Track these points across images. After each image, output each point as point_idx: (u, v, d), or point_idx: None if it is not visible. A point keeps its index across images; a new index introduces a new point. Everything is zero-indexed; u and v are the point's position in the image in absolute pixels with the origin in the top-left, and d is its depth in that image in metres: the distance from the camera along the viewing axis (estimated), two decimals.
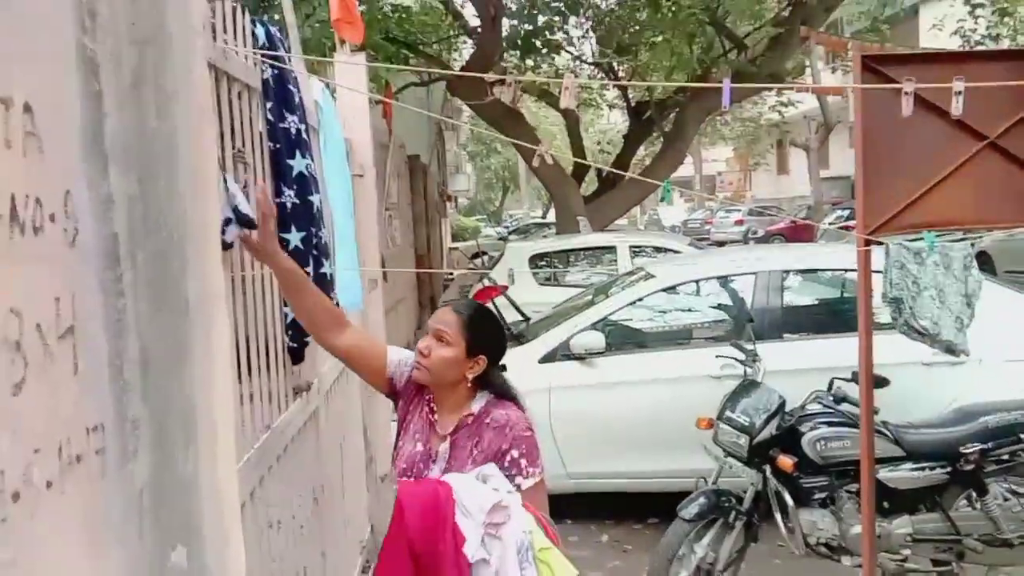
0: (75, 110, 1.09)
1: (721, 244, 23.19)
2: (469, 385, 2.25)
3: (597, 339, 5.11)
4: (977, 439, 3.83)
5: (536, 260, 9.20)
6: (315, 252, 2.39)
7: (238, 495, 1.80)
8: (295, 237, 2.34)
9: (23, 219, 0.93)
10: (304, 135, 2.43)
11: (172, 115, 1.41)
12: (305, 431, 2.78)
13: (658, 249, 9.09)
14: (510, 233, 27.33)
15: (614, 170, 9.32)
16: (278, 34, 2.49)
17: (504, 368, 2.36)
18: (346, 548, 3.53)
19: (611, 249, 9.22)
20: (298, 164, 2.35)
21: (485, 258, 13.19)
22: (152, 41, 1.34)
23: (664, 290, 5.50)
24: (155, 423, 1.31)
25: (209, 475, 1.49)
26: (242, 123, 2.26)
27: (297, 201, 2.35)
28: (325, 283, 2.47)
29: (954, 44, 13.85)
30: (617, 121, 29.15)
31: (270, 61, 2.34)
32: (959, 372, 4.71)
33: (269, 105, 2.35)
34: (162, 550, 1.32)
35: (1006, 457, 3.87)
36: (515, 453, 2.19)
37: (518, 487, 2.16)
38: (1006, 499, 3.94)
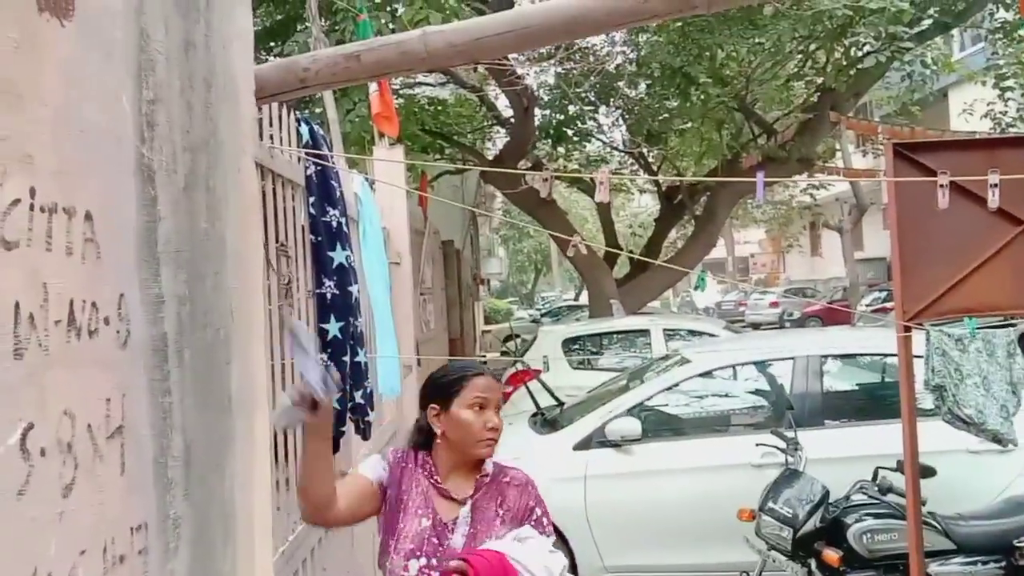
0: (131, 216, 1.14)
1: (756, 327, 22.97)
2: None
3: (633, 425, 5.03)
4: None
5: (569, 344, 9.17)
6: (352, 341, 2.42)
7: None
8: (334, 327, 2.37)
9: (80, 323, 0.96)
10: (344, 227, 2.49)
11: (221, 215, 1.47)
12: None
13: (692, 332, 9.02)
14: (543, 316, 27.34)
15: (644, 258, 9.36)
16: (320, 131, 2.58)
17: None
18: None
19: (645, 332, 9.16)
20: (338, 256, 2.41)
21: (518, 340, 13.19)
22: (205, 147, 1.41)
23: (700, 375, 5.44)
24: (196, 520, 1.31)
25: (246, 570, 1.48)
26: (286, 217, 2.33)
27: (337, 292, 2.40)
28: (360, 371, 2.49)
29: (984, 127, 13.87)
30: (648, 204, 29.41)
31: (313, 159, 2.43)
32: (1008, 460, 4.55)
33: (312, 200, 2.42)
34: None
35: None
36: (539, 511, 2.12)
37: None
38: None
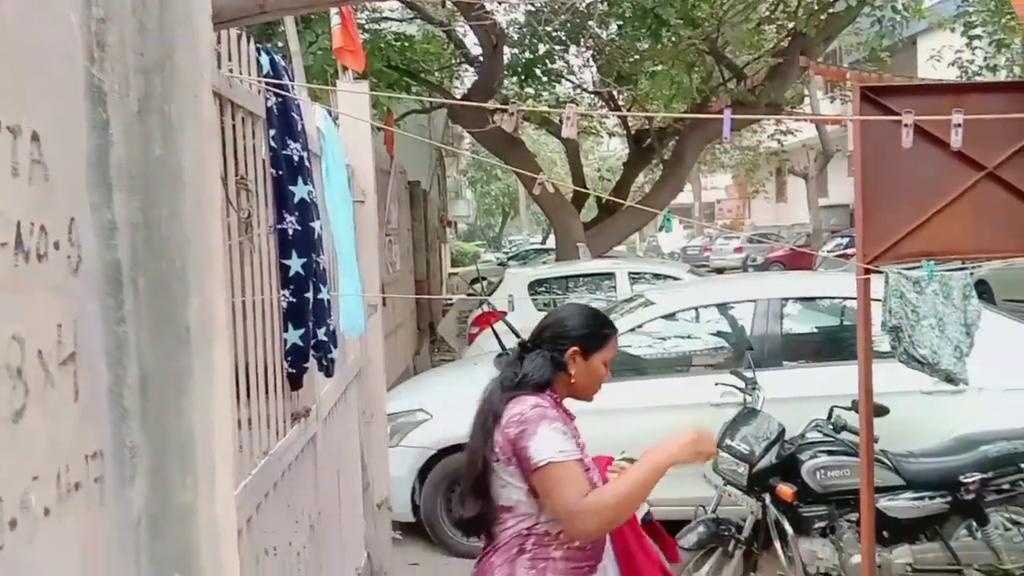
0: (81, 139, 1.10)
1: (720, 271, 23.21)
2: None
3: None
4: (977, 468, 3.82)
5: (535, 286, 9.21)
6: (314, 278, 2.40)
7: (235, 523, 1.79)
8: (296, 263, 2.34)
9: (28, 246, 0.94)
10: (306, 162, 2.45)
11: (177, 143, 1.43)
12: (303, 457, 2.77)
13: (657, 276, 9.09)
14: (509, 259, 27.36)
15: (613, 198, 9.36)
16: (282, 62, 2.51)
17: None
18: (342, 575, 3.50)
19: (610, 276, 9.22)
20: (300, 191, 2.37)
21: (484, 283, 13.20)
22: (159, 70, 1.36)
23: (663, 317, 5.50)
24: (154, 451, 1.31)
25: (207, 503, 1.48)
26: (246, 150, 2.28)
27: (299, 227, 2.36)
28: (323, 309, 2.47)
29: (952, 75, 13.95)
30: (617, 148, 29.31)
31: (274, 89, 2.37)
32: (959, 401, 4.69)
33: (272, 132, 2.37)
34: None
35: (1007, 487, 3.86)
36: None
37: None
38: (1007, 529, 3.92)
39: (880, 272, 3.08)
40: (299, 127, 2.46)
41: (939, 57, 14.67)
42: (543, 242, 31.15)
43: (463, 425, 5.73)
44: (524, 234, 44.50)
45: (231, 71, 2.20)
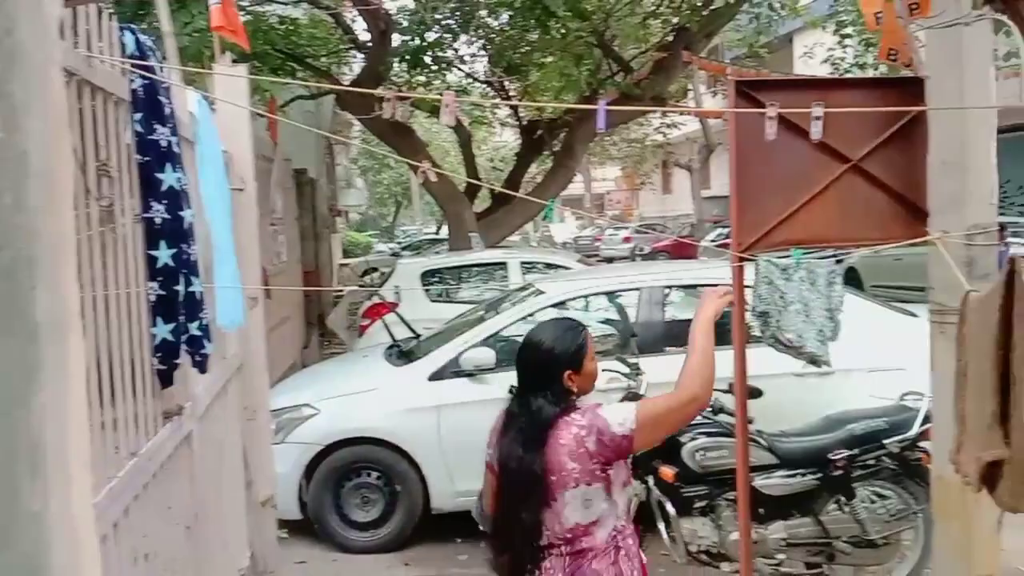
0: None
1: (610, 260, 23.72)
2: None
3: (488, 355, 5.11)
4: (844, 446, 4.04)
5: (428, 277, 9.15)
6: (185, 270, 2.30)
7: (96, 529, 1.70)
8: (165, 254, 2.24)
9: None
10: (176, 148, 2.34)
11: (22, 126, 1.33)
12: (177, 456, 2.66)
13: (549, 266, 9.19)
14: (403, 249, 27.13)
15: (504, 190, 9.40)
16: (149, 42, 2.39)
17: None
18: None
19: (503, 265, 9.26)
20: (168, 178, 2.26)
21: (376, 275, 13.04)
22: None
23: (553, 305, 5.56)
24: None
25: (61, 509, 1.40)
26: (107, 135, 2.15)
27: (168, 216, 2.26)
28: (195, 302, 2.37)
29: (825, 71, 14.66)
30: (510, 139, 29.47)
31: (140, 71, 2.25)
32: (828, 382, 4.95)
33: (138, 116, 2.25)
34: None
35: (872, 462, 4.10)
36: None
37: None
38: (872, 502, 4.17)
39: (754, 259, 3.20)
40: (168, 111, 2.35)
41: (812, 54, 15.40)
42: (437, 232, 31.02)
43: (351, 419, 5.67)
44: (418, 224, 44.20)
45: (90, 51, 2.07)
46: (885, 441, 4.06)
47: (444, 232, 18.40)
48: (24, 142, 1.34)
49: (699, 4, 10.74)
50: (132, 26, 2.37)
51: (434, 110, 14.32)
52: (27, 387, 1.31)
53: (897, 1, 2.94)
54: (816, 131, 2.47)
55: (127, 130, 2.25)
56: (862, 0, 3.56)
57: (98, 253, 2.00)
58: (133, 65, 2.24)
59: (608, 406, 2.31)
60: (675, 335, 5.32)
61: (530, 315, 5.48)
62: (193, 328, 2.40)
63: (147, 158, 2.25)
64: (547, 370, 2.35)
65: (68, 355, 1.44)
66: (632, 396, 4.16)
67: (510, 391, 2.45)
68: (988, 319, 2.18)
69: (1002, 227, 2.93)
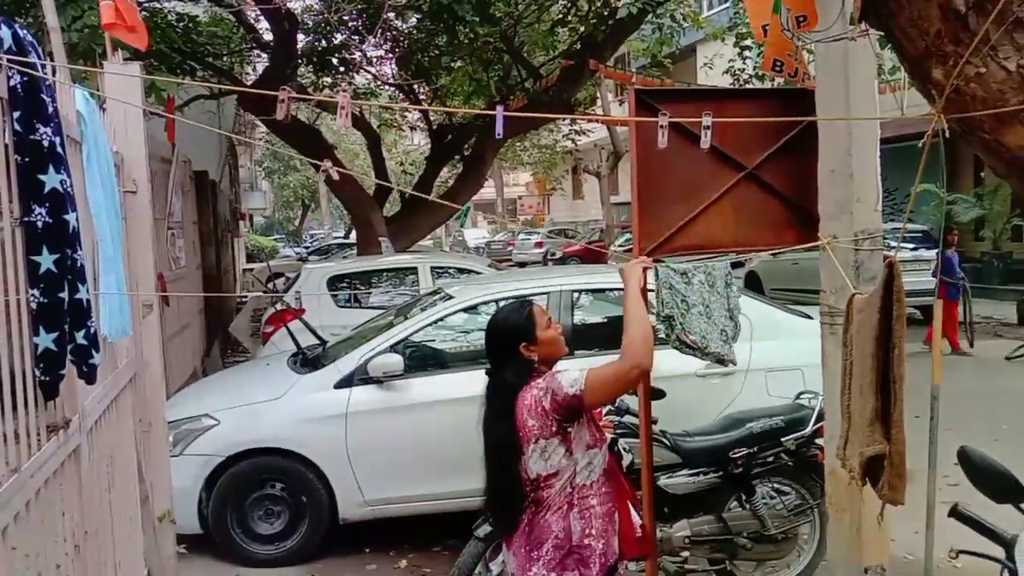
0: None
1: (522, 265, 23.87)
2: None
3: (395, 361, 5.05)
4: (744, 444, 4.17)
5: (336, 282, 9.00)
6: (70, 276, 2.19)
7: None
8: (47, 260, 2.12)
9: None
10: (59, 148, 2.22)
11: None
12: (63, 472, 2.52)
13: (460, 270, 9.17)
14: (310, 254, 26.64)
15: (415, 193, 9.32)
16: (30, 37, 2.26)
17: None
18: None
19: (413, 270, 9.19)
20: (51, 180, 2.14)
21: (282, 280, 12.75)
22: None
23: (463, 310, 5.55)
24: None
25: None
26: None
27: (50, 220, 2.14)
28: (81, 309, 2.26)
29: (725, 82, 15.14)
30: (420, 143, 29.33)
31: (18, 67, 2.13)
32: (729, 382, 5.11)
33: (17, 115, 2.12)
34: None
35: (770, 459, 4.24)
36: None
37: None
38: (771, 498, 4.31)
39: (660, 263, 3.27)
40: (51, 110, 2.22)
41: (711, 64, 15.87)
42: (346, 236, 30.59)
43: (253, 430, 5.50)
44: (326, 228, 43.47)
45: None
46: (783, 439, 4.20)
47: (353, 236, 18.14)
48: None
49: (605, 14, 10.93)
50: (10, 20, 2.24)
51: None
52: None
53: (784, 14, 3.05)
54: (705, 140, 2.56)
55: (5, 130, 2.12)
56: (751, 12, 3.69)
57: None
58: (11, 61, 2.12)
59: (563, 371, 2.54)
60: (584, 337, 5.39)
61: (440, 320, 5.45)
62: (80, 337, 2.29)
63: (27, 159, 2.12)
64: (503, 346, 2.63)
65: None
66: None
67: (486, 373, 2.70)
68: (870, 320, 2.29)
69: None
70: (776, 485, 4.36)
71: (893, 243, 6.78)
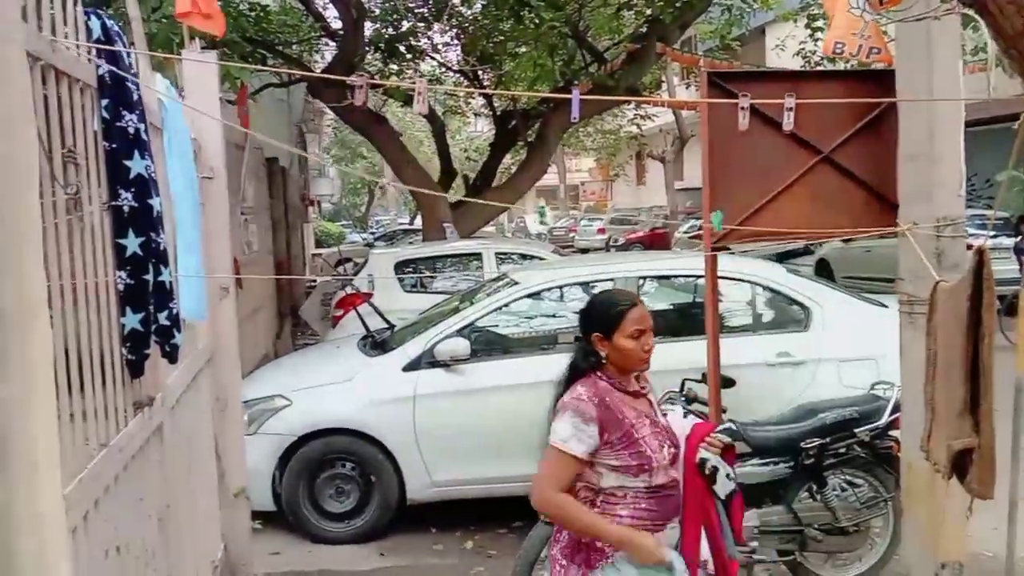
0: None
1: (584, 251, 23.76)
2: None
3: (462, 345, 5.10)
4: (816, 435, 4.08)
5: (402, 267, 9.11)
6: (154, 259, 2.26)
7: (66, 521, 1.67)
8: (133, 243, 2.20)
9: None
10: (144, 135, 2.29)
11: None
12: (148, 448, 2.62)
13: (524, 256, 9.18)
14: (376, 239, 27.00)
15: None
16: (116, 27, 2.34)
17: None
18: (196, 569, 3.35)
19: (477, 256, 9.24)
20: (136, 165, 2.22)
21: (350, 265, 12.96)
22: None
23: (528, 296, 5.56)
24: None
25: (27, 500, 1.37)
26: (73, 121, 2.11)
27: (136, 204, 2.22)
28: (164, 291, 2.34)
29: (796, 64, 14.75)
30: (484, 129, 29.40)
31: (107, 57, 2.20)
32: (800, 372, 5.01)
33: (105, 103, 2.20)
34: None
35: (842, 451, 4.14)
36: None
37: None
38: (843, 490, 4.21)
39: (727, 250, 3.22)
40: (136, 97, 2.30)
41: (784, 47, 15.48)
42: (411, 222, 30.89)
43: (325, 410, 5.62)
44: (391, 214, 43.96)
45: (55, 35, 2.03)
46: (856, 430, 4.10)
47: (418, 222, 18.32)
48: None
49: None
50: (98, 10, 2.32)
51: (407, 100, 14.26)
52: None
53: None
54: (788, 122, 2.49)
55: (94, 117, 2.20)
56: None
57: (65, 242, 1.96)
58: (99, 50, 2.19)
59: (570, 421, 2.39)
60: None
61: (504, 305, 5.48)
62: (163, 318, 2.37)
63: (115, 145, 2.20)
64: (583, 324, 2.54)
65: (34, 345, 1.41)
66: None
67: None
68: (958, 309, 2.21)
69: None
70: (848, 477, 4.26)
71: (973, 230, 6.54)
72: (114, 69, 2.21)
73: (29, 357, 1.39)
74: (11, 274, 1.33)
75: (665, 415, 2.63)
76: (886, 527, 4.29)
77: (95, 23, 2.22)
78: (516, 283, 5.61)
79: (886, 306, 5.41)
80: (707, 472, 2.45)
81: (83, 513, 1.99)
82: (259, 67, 8.67)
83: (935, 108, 3.04)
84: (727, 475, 2.48)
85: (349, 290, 8.22)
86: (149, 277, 2.24)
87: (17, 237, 1.35)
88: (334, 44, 11.96)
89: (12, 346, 1.32)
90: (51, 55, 1.95)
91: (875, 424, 4.10)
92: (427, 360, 5.13)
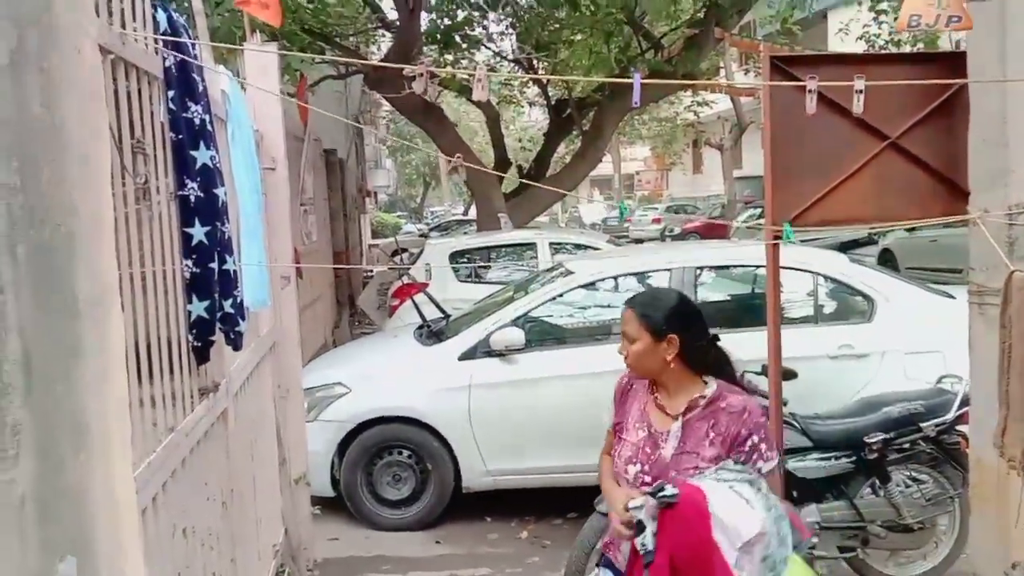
0: None
1: (639, 242, 23.56)
2: (682, 366, 2.33)
3: (517, 335, 5.11)
4: (880, 429, 3.98)
5: (457, 257, 9.15)
6: (219, 247, 2.31)
7: (137, 502, 1.72)
8: (199, 232, 2.25)
9: None
10: (209, 126, 2.34)
11: (59, 102, 1.34)
12: (213, 433, 2.69)
13: (578, 246, 9.15)
14: (431, 230, 27.18)
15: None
16: (182, 20, 2.39)
17: (716, 339, 2.42)
18: (258, 553, 3.43)
19: (531, 246, 9.23)
20: (202, 156, 2.27)
21: (405, 255, 13.07)
22: (35, 23, 1.26)
23: (583, 286, 5.54)
24: (40, 427, 1.23)
25: (103, 482, 1.41)
26: (142, 112, 2.16)
27: (201, 194, 2.26)
28: (229, 279, 2.39)
29: (859, 48, 14.37)
30: (538, 119, 29.32)
31: (173, 49, 2.25)
32: (863, 365, 4.89)
33: (171, 94, 2.25)
34: (48, 561, 1.24)
35: (907, 446, 4.04)
36: (755, 439, 2.26)
37: (759, 471, 2.26)
38: (907, 486, 4.11)
39: (788, 240, 3.15)
40: (201, 89, 2.35)
41: (847, 31, 15.09)
42: (465, 213, 31.02)
43: (382, 399, 5.69)
44: (446, 205, 44.21)
45: (124, 28, 2.08)
46: (922, 424, 3.99)
47: (473, 212, 18.38)
48: (62, 117, 1.34)
49: None
50: (164, 4, 2.37)
51: (462, 89, 14.32)
52: (68, 362, 1.31)
53: None
54: (858, 106, 2.42)
55: (161, 108, 2.25)
56: None
57: (134, 230, 2.01)
58: (166, 43, 2.24)
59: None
60: (707, 316, 5.25)
61: (559, 296, 5.46)
62: (227, 305, 2.42)
63: (181, 136, 2.25)
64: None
65: (108, 331, 1.45)
66: None
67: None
68: None
69: None
70: (913, 473, 4.15)
71: None
72: (180, 61, 2.26)
73: (103, 343, 1.43)
74: (86, 262, 1.36)
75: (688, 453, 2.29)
76: (952, 525, 4.17)
77: (162, 16, 2.27)
78: (571, 273, 5.59)
79: (953, 297, 5.25)
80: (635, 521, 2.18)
81: (152, 495, 2.05)
82: (318, 57, 8.78)
83: (1008, 90, 2.92)
84: (645, 539, 2.15)
85: (405, 280, 8.30)
86: (214, 265, 2.29)
87: (92, 226, 1.38)
88: (390, 35, 12.04)
89: (87, 332, 1.36)
90: (121, 48, 2.00)
91: (942, 419, 3.99)
92: (482, 350, 5.15)
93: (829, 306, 5.45)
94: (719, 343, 2.43)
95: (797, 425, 4.01)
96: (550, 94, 14.74)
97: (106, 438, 1.46)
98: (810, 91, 2.37)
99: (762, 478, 2.25)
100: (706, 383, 2.35)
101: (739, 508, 2.14)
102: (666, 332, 2.31)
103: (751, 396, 2.38)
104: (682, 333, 2.32)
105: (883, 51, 13.49)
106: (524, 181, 11.64)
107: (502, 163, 14.42)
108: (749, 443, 2.25)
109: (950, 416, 3.97)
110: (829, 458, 4.02)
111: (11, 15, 1.18)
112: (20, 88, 1.21)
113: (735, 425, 2.25)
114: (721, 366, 2.40)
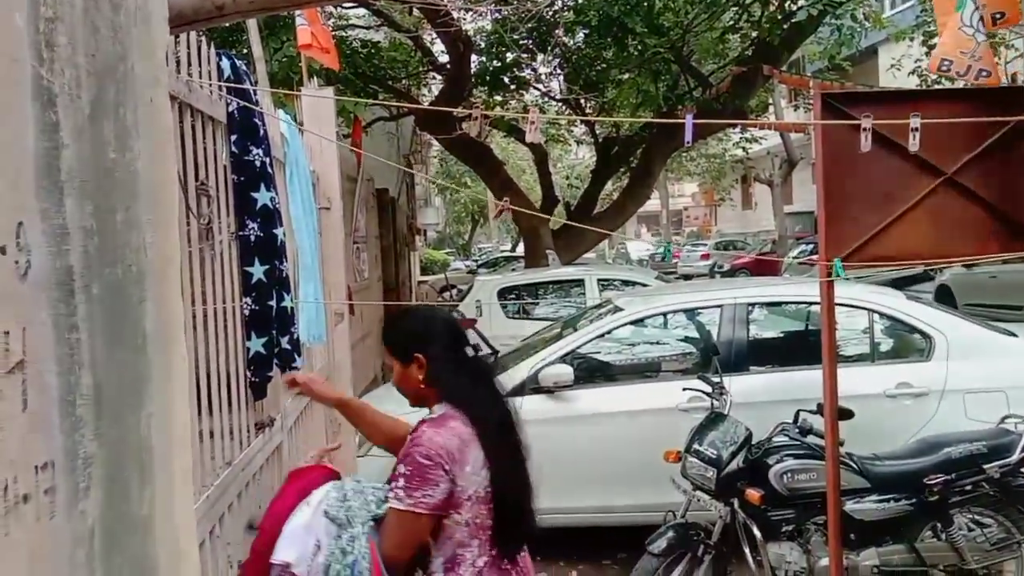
0: (29, 142, 1.07)
1: (688, 278, 23.38)
2: (436, 389, 2.17)
3: (565, 372, 5.09)
4: (941, 470, 3.86)
5: (505, 293, 9.20)
6: (277, 285, 2.37)
7: (196, 535, 1.76)
8: (258, 270, 2.31)
9: None
10: (269, 168, 2.42)
11: (132, 146, 1.40)
12: (268, 467, 2.73)
13: (626, 282, 9.14)
14: (479, 266, 27.37)
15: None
16: (243, 67, 2.48)
17: (476, 349, 2.26)
18: None
19: (579, 282, 9.25)
20: (262, 197, 2.34)
21: (454, 291, 13.18)
22: (112, 73, 1.33)
23: (632, 323, 5.52)
24: (109, 461, 1.27)
25: (165, 515, 1.45)
26: (206, 155, 2.24)
27: (261, 234, 2.33)
28: (286, 317, 2.44)
29: (911, 84, 14.21)
30: (585, 156, 29.47)
31: (235, 94, 2.34)
32: (923, 404, 4.77)
33: (234, 138, 2.34)
34: None
35: (969, 488, 3.91)
36: (401, 468, 2.05)
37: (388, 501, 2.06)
38: (970, 529, 3.97)
39: (843, 277, 3.12)
40: (261, 132, 2.43)
41: (899, 66, 14.94)
42: (512, 250, 31.18)
43: None
44: (494, 242, 44.49)
45: (190, 75, 2.17)
46: (985, 466, 3.87)
47: (520, 249, 18.46)
48: (135, 162, 1.41)
49: (779, 17, 10.56)
50: (228, 51, 2.47)
51: (511, 129, 14.51)
52: (137, 396, 1.36)
53: (969, 11, 2.82)
54: (914, 144, 2.39)
55: (224, 151, 2.34)
56: (938, 8, 3.45)
57: (197, 269, 2.08)
58: (230, 89, 2.33)
59: None
60: (760, 353, 5.21)
61: (608, 332, 5.45)
62: (284, 342, 2.47)
63: (242, 178, 2.33)
64: None
65: (174, 366, 1.50)
66: (716, 416, 4.09)
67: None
68: None
69: None
70: (976, 516, 4.01)
71: None
72: (242, 106, 2.35)
73: (169, 377, 1.47)
74: (154, 300, 1.42)
75: None
76: (1020, 570, 4.01)
77: (226, 64, 2.36)
78: (619, 310, 5.57)
79: (1015, 335, 5.10)
80: None
81: (209, 529, 2.09)
82: (371, 101, 8.99)
83: None
84: None
85: (455, 316, 8.37)
86: (272, 303, 2.35)
87: (160, 265, 1.44)
88: (441, 77, 12.28)
89: (154, 367, 1.41)
90: (187, 94, 2.09)
91: (1006, 460, 3.86)
92: (531, 386, 5.14)
93: (885, 344, 5.34)
94: (478, 354, 2.27)
95: (854, 465, 3.92)
96: (597, 132, 14.83)
97: (169, 471, 1.50)
98: (864, 129, 2.35)
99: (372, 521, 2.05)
100: (432, 411, 2.16)
101: (299, 535, 2.00)
102: (408, 353, 2.16)
103: (448, 430, 2.10)
104: (425, 351, 2.14)
105: (936, 86, 13.31)
106: (568, 223, 11.69)
107: (549, 201, 14.51)
108: (398, 470, 2.05)
109: (1014, 457, 3.84)
110: (888, 500, 3.91)
111: (94, 68, 1.25)
112: (98, 136, 1.28)
113: (405, 450, 2.09)
114: (476, 380, 2.22)
